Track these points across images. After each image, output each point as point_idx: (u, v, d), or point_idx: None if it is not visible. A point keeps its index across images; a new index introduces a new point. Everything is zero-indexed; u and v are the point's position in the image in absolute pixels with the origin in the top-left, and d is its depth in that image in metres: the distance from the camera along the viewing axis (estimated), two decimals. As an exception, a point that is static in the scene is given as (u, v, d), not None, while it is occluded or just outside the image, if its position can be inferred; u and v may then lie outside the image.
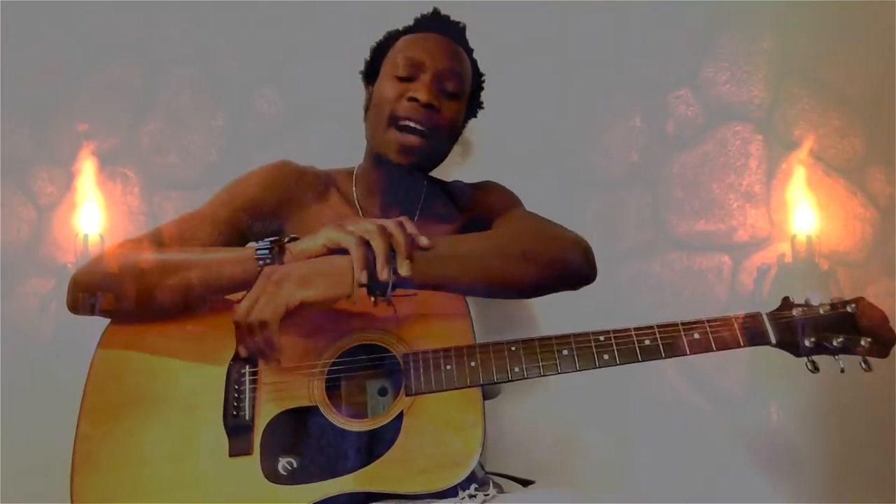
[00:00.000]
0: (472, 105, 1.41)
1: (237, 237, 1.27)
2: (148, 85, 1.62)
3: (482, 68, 1.40)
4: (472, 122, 1.44)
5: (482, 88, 1.42)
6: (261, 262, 1.06)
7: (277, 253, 1.07)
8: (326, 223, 1.26)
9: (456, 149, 1.42)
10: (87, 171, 1.74)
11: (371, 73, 1.36)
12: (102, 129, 1.79)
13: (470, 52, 1.38)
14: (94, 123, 1.79)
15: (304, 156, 1.64)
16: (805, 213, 1.69)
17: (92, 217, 1.72)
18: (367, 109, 1.34)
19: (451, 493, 1.05)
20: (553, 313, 1.55)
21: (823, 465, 1.66)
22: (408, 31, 1.36)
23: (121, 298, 1.12)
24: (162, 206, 1.65)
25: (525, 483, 1.21)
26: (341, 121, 1.64)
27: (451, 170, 1.50)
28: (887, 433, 1.66)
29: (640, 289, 1.72)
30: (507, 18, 1.67)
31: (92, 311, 1.15)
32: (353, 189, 1.37)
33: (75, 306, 1.16)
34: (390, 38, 1.36)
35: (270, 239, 1.08)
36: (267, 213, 1.30)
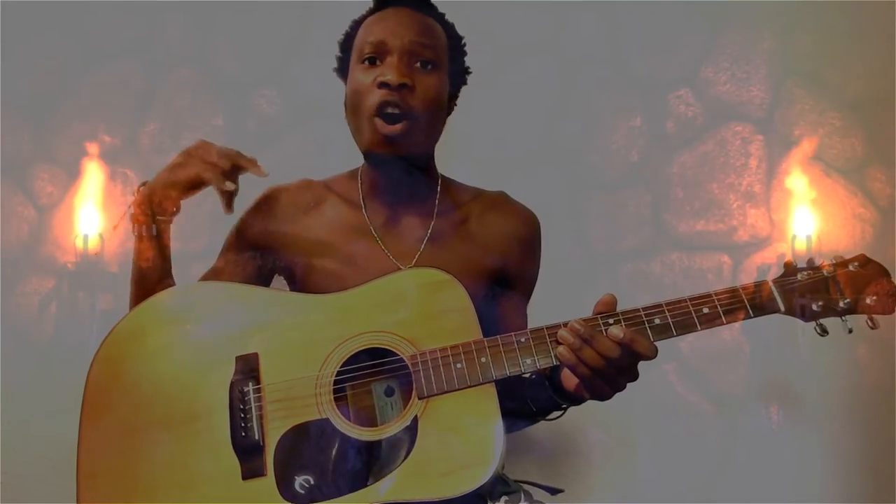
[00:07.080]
0: (457, 72, 1.31)
1: (256, 273, 1.28)
2: (148, 85, 1.62)
3: (482, 69, 1.38)
4: (472, 123, 1.42)
5: (464, 53, 1.33)
6: None
7: None
8: (322, 231, 1.26)
9: (455, 150, 1.41)
10: (86, 171, 1.74)
11: (343, 68, 1.30)
12: (102, 129, 1.79)
13: (440, 17, 1.29)
14: (94, 123, 1.79)
15: (304, 156, 1.65)
16: (805, 213, 1.69)
17: (92, 217, 1.72)
18: (345, 105, 1.28)
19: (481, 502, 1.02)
20: (552, 314, 1.55)
21: (823, 465, 1.66)
22: (370, 13, 1.28)
23: None
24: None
25: (553, 491, 1.18)
26: (341, 121, 1.64)
27: (451, 170, 1.49)
28: (887, 433, 1.66)
29: (640, 289, 1.72)
30: (507, 18, 1.67)
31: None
32: (359, 187, 1.31)
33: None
34: (355, 26, 1.29)
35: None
36: (263, 246, 1.29)
